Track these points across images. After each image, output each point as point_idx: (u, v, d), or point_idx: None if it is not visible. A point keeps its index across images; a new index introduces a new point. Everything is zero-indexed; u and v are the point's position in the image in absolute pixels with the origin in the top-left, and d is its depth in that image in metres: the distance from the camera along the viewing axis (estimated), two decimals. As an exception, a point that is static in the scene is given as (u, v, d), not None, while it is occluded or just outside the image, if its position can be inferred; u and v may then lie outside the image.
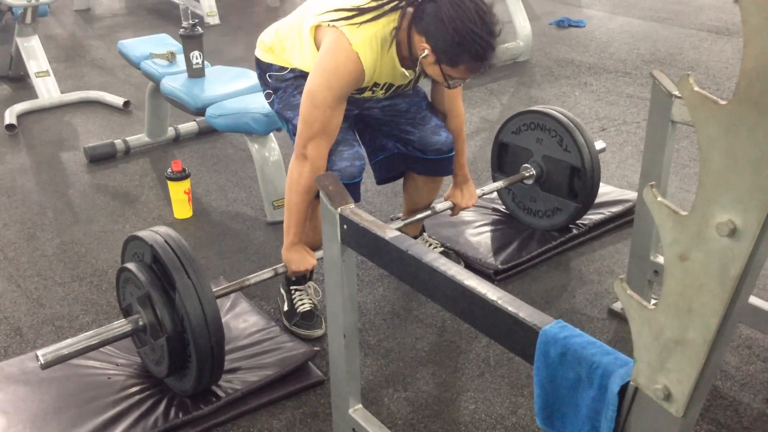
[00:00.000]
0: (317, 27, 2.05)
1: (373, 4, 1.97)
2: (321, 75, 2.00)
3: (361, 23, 1.94)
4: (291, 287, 2.34)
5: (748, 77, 0.76)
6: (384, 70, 2.05)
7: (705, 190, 0.83)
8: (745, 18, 0.75)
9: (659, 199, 0.88)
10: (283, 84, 2.24)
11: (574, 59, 5.05)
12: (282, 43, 2.21)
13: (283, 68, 2.22)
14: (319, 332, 2.27)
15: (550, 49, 5.30)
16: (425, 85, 2.38)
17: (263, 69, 2.29)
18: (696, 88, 0.81)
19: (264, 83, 2.31)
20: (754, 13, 0.74)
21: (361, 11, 1.96)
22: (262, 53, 2.28)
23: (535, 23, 5.66)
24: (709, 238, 0.84)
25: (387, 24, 1.98)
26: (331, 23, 1.97)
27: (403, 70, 2.07)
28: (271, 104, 2.32)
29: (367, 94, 2.14)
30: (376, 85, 2.10)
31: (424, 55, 1.96)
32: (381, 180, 2.51)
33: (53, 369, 1.94)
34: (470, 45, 1.89)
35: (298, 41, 2.14)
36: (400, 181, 2.56)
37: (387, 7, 1.96)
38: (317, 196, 2.12)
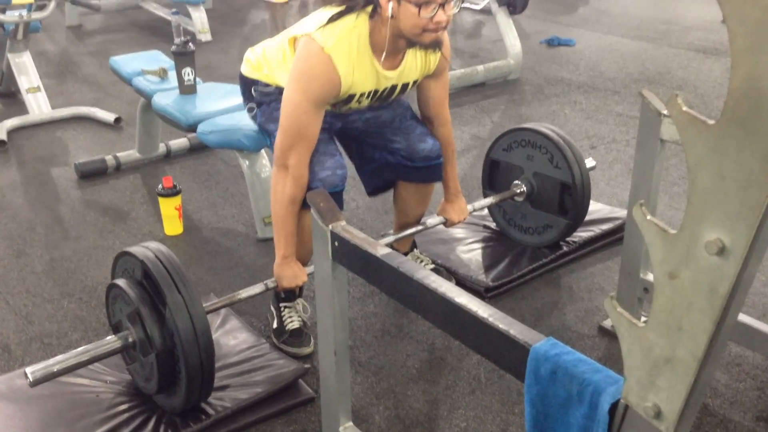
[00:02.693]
0: (295, 39, 2.09)
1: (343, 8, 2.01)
2: (295, 80, 2.03)
3: (331, 23, 1.98)
4: (280, 304, 2.33)
5: (736, 97, 0.77)
6: (363, 74, 2.06)
7: (693, 209, 0.84)
8: (732, 39, 0.76)
9: (648, 217, 0.89)
10: (266, 98, 2.26)
11: (563, 78, 5.09)
12: (268, 62, 2.25)
13: (268, 85, 2.25)
14: (307, 350, 2.27)
15: (540, 67, 5.34)
16: (411, 100, 2.40)
17: (248, 84, 2.31)
18: (684, 108, 0.82)
19: (247, 97, 2.33)
20: (741, 34, 0.75)
21: (331, 18, 1.99)
22: (248, 70, 2.31)
23: (526, 42, 5.71)
24: (697, 256, 0.85)
25: (359, 24, 2.01)
26: (305, 33, 2.01)
27: (384, 71, 2.08)
28: (254, 118, 2.33)
29: (354, 105, 2.16)
30: (361, 95, 2.12)
31: (390, 12, 1.94)
32: (372, 191, 2.52)
33: (42, 386, 1.92)
34: None
35: (282, 59, 2.17)
36: (391, 197, 2.57)
37: (353, 6, 1.99)
38: (303, 207, 2.13)
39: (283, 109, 2.06)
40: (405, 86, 2.20)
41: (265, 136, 2.31)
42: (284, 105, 2.05)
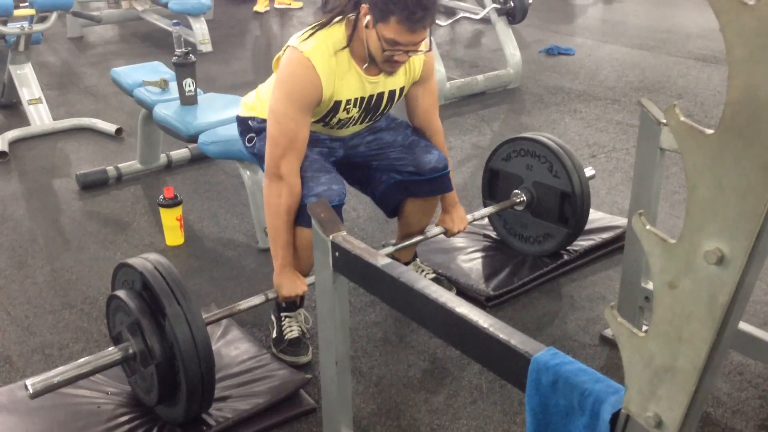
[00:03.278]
0: (278, 58, 2.15)
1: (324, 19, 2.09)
2: (278, 88, 2.08)
3: (311, 34, 2.05)
4: (281, 314, 2.33)
5: (734, 108, 0.77)
6: (345, 79, 2.09)
7: (692, 219, 0.84)
8: (729, 50, 0.76)
9: (648, 227, 0.89)
10: (264, 127, 2.27)
11: (563, 86, 5.10)
12: (262, 101, 2.29)
13: (264, 120, 2.26)
14: (304, 358, 2.26)
15: (540, 76, 5.35)
16: (402, 114, 2.40)
17: (244, 121, 2.36)
18: (682, 118, 0.82)
19: (246, 130, 2.36)
20: (738, 45, 0.75)
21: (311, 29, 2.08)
22: (244, 111, 2.37)
23: (525, 51, 5.72)
24: (697, 266, 0.85)
25: (333, 31, 2.07)
26: (286, 46, 2.09)
27: (368, 76, 2.11)
28: (252, 147, 2.33)
29: (342, 114, 2.17)
30: (348, 102, 2.13)
31: (365, 23, 2.00)
32: (390, 212, 2.53)
33: (43, 398, 1.92)
34: None
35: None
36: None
37: (336, 15, 2.06)
38: (296, 222, 2.13)
39: (270, 118, 2.10)
40: (393, 93, 2.22)
41: (262, 163, 2.31)
42: (271, 114, 2.10)
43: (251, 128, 2.33)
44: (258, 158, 2.33)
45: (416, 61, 2.20)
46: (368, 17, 1.99)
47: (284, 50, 2.10)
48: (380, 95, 2.19)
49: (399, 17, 1.94)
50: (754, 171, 0.77)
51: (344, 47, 2.06)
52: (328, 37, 2.05)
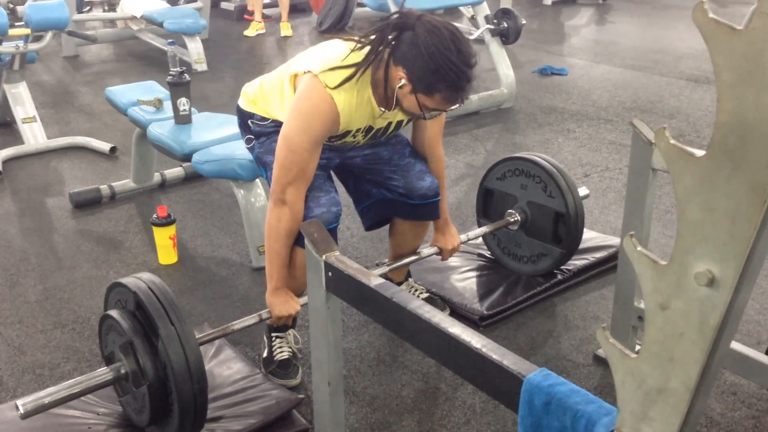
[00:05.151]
0: (295, 76, 2.08)
1: (355, 57, 1.98)
2: (296, 118, 2.02)
3: (345, 79, 1.96)
4: (272, 334, 2.33)
5: (723, 131, 0.78)
6: (361, 113, 2.06)
7: (683, 241, 0.84)
8: (718, 73, 0.77)
9: (639, 248, 0.89)
10: (264, 130, 2.27)
11: (557, 106, 5.13)
12: (265, 96, 2.24)
13: (264, 119, 2.25)
14: (293, 382, 2.25)
15: (534, 96, 5.38)
16: (407, 132, 2.41)
17: (244, 117, 2.33)
18: (672, 141, 0.83)
19: (245, 129, 2.34)
20: (727, 69, 0.76)
21: (341, 67, 1.98)
22: (245, 104, 2.32)
23: (519, 71, 5.76)
24: (688, 287, 0.85)
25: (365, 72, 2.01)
26: (308, 71, 2.01)
27: (382, 110, 2.08)
28: (251, 149, 2.33)
29: (349, 139, 2.17)
30: (357, 130, 2.13)
31: (400, 85, 1.96)
32: (369, 226, 2.52)
33: (33, 418, 1.90)
34: (446, 73, 1.90)
35: (280, 94, 2.17)
36: (386, 227, 2.57)
37: (367, 63, 1.97)
38: (296, 242, 2.13)
39: (281, 145, 2.04)
40: (399, 123, 2.22)
41: (260, 168, 2.31)
42: (284, 142, 2.03)
43: (250, 129, 2.31)
44: (255, 160, 2.34)
45: None
46: (403, 81, 1.94)
47: (305, 73, 2.01)
48: (388, 124, 2.19)
49: (445, 94, 1.94)
50: (744, 193, 0.78)
51: (366, 85, 2.01)
52: (352, 72, 1.98)
